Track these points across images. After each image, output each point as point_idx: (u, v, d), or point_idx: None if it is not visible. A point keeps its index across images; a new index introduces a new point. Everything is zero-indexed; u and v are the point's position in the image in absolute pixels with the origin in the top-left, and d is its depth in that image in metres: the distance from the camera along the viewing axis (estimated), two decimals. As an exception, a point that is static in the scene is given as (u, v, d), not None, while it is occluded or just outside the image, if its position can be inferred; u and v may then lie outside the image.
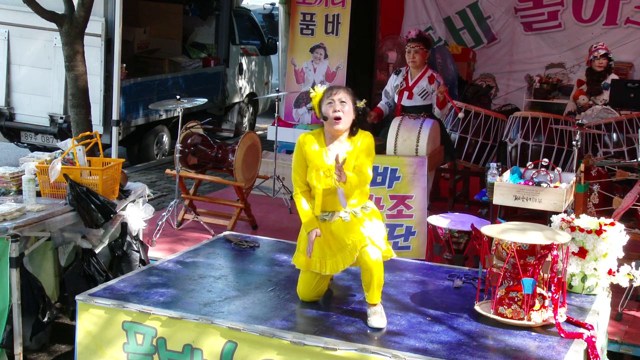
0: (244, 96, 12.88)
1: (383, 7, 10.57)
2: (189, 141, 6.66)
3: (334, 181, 3.83)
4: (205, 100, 7.13)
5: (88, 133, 5.55)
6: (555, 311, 3.71)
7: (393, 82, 6.75)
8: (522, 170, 5.62)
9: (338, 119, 3.82)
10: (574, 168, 5.97)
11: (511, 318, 3.76)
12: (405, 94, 6.60)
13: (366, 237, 3.83)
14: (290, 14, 9.51)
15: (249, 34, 13.21)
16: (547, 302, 3.77)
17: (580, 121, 5.88)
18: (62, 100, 9.26)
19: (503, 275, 3.82)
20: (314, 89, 3.91)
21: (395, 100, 6.72)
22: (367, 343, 3.51)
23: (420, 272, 4.62)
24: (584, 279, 4.22)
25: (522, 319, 3.74)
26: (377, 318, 3.78)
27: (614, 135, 6.58)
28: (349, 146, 3.92)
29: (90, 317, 3.94)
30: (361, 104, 3.92)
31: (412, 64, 6.56)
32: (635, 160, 5.74)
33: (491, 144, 7.39)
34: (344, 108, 3.82)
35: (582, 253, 4.20)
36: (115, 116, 7.85)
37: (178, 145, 6.51)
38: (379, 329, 3.72)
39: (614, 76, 7.71)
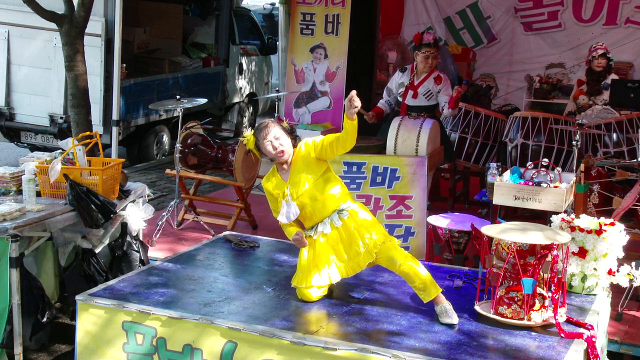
0: (244, 96, 12.88)
1: (383, 7, 10.57)
2: (189, 141, 6.67)
3: (287, 196, 4.08)
4: (205, 100, 7.13)
5: (88, 133, 5.55)
6: (555, 311, 3.71)
7: (398, 79, 6.76)
8: (522, 170, 5.62)
9: (281, 152, 4.08)
10: (574, 168, 5.97)
11: (511, 318, 3.76)
12: (410, 93, 6.61)
13: (374, 243, 3.97)
14: (290, 14, 9.50)
15: (249, 34, 13.22)
16: (547, 302, 3.77)
17: (580, 121, 5.88)
18: (62, 100, 9.27)
19: (503, 275, 3.82)
20: (244, 137, 4.19)
21: (399, 98, 6.72)
22: (367, 343, 3.50)
23: (420, 272, 4.61)
24: (584, 279, 4.22)
25: (522, 319, 3.74)
26: (448, 315, 3.81)
27: (614, 135, 6.58)
28: (295, 158, 4.12)
29: (90, 317, 3.94)
30: (285, 124, 4.19)
31: (427, 69, 6.57)
32: (635, 160, 5.74)
33: (491, 144, 7.39)
34: (281, 141, 4.06)
35: (582, 253, 4.20)
36: (115, 116, 7.85)
37: (178, 145, 6.51)
38: (450, 326, 3.77)
39: (614, 76, 7.71)
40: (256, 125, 4.20)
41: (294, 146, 4.13)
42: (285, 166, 4.13)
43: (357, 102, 3.82)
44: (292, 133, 4.14)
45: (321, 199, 4.05)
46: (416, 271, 3.90)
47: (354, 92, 3.84)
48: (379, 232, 4.04)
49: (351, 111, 3.83)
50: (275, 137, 4.05)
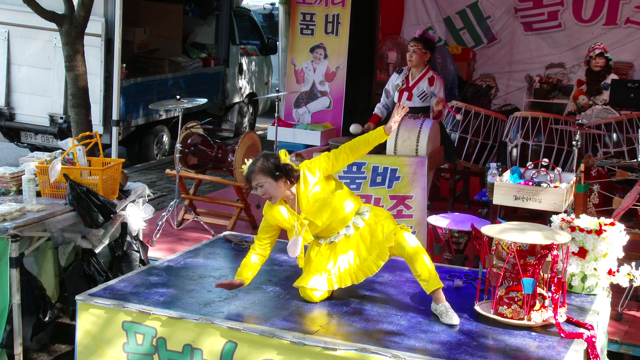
0: (244, 96, 12.89)
1: (383, 7, 10.59)
2: (189, 141, 6.67)
3: (297, 228, 3.99)
4: (205, 100, 7.13)
5: (88, 133, 5.55)
6: (555, 311, 3.71)
7: (394, 80, 6.75)
8: (522, 170, 5.62)
9: (269, 198, 3.99)
10: (574, 168, 5.97)
11: (511, 318, 3.76)
12: (405, 94, 6.60)
13: (392, 230, 3.94)
14: (290, 14, 9.52)
15: (249, 34, 13.22)
16: (547, 302, 3.77)
17: (580, 121, 5.88)
18: (62, 100, 9.27)
19: (503, 275, 3.82)
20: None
21: (395, 100, 6.72)
22: (367, 343, 3.50)
23: (420, 272, 4.61)
24: (584, 279, 4.21)
25: (522, 319, 3.74)
26: (449, 315, 3.79)
27: (614, 135, 6.58)
28: (302, 189, 3.98)
29: (90, 317, 3.94)
30: (285, 158, 3.97)
31: (409, 63, 6.57)
32: (635, 160, 5.74)
33: (491, 144, 7.39)
34: (265, 189, 3.93)
35: (582, 253, 4.20)
36: (115, 116, 7.85)
37: (178, 145, 6.51)
38: (451, 326, 3.75)
39: (614, 76, 7.72)
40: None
41: (291, 180, 3.94)
42: (290, 195, 4.00)
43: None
44: (280, 169, 3.90)
45: (341, 211, 4.02)
46: (423, 260, 3.89)
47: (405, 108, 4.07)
48: (393, 221, 4.07)
49: (390, 125, 3.97)
50: (259, 184, 3.93)
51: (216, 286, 4.03)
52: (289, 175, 3.93)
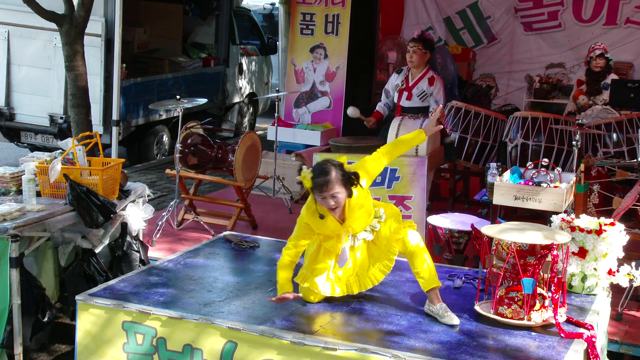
0: (244, 96, 12.89)
1: (383, 7, 10.59)
2: (189, 141, 6.67)
3: (344, 237, 3.96)
4: (205, 100, 7.14)
5: (88, 133, 5.55)
6: (555, 311, 3.71)
7: (394, 80, 6.76)
8: (522, 170, 5.62)
9: (335, 208, 3.85)
10: (574, 168, 5.97)
11: (511, 318, 3.76)
12: (405, 94, 6.61)
13: (398, 227, 3.94)
14: (290, 14, 9.51)
15: (249, 34, 13.23)
16: (547, 302, 3.77)
17: (580, 121, 5.88)
18: (62, 100, 9.27)
19: (503, 275, 3.82)
20: (303, 175, 3.83)
21: (395, 100, 6.72)
22: (367, 343, 3.50)
23: (420, 272, 4.60)
24: (584, 279, 4.21)
25: (522, 319, 3.74)
26: (449, 315, 3.77)
27: (614, 135, 6.58)
28: (353, 198, 3.88)
29: (90, 317, 3.94)
30: (345, 164, 3.87)
31: (409, 64, 6.58)
32: (635, 160, 5.74)
33: (491, 144, 7.39)
34: (338, 197, 3.80)
35: (582, 253, 4.20)
36: (115, 116, 7.85)
37: (178, 145, 6.51)
38: (451, 326, 3.73)
39: (614, 76, 7.72)
40: (317, 167, 3.83)
41: (352, 189, 3.82)
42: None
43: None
44: (351, 180, 3.80)
45: (370, 215, 4.00)
46: (423, 258, 3.88)
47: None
48: (400, 218, 4.07)
49: (434, 123, 4.17)
50: (333, 195, 3.77)
51: (269, 300, 3.93)
52: (354, 184, 3.84)
